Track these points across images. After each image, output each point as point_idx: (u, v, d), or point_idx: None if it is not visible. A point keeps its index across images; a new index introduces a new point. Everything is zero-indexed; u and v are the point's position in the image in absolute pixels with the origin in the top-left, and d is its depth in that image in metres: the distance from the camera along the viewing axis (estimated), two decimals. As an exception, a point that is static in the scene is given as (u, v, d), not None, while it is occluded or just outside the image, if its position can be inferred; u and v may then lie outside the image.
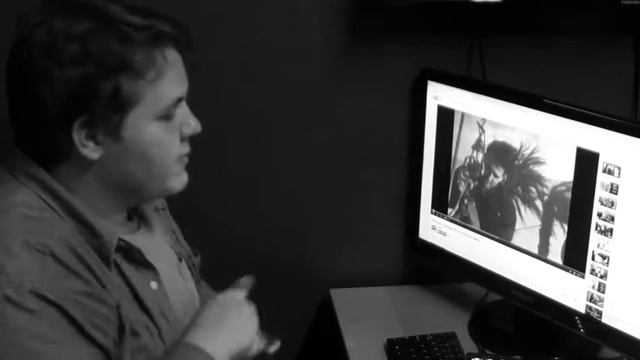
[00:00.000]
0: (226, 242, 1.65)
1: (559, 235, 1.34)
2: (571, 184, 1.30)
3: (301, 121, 1.56)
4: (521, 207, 1.39)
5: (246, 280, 1.17)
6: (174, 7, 1.44)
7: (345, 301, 1.64)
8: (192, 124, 1.09)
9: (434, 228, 1.57)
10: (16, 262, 0.92)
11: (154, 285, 1.07)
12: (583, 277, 1.32)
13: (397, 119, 1.58)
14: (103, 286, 0.98)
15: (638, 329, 1.27)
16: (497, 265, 1.47)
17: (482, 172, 1.44)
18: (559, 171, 1.31)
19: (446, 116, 1.47)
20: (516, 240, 1.42)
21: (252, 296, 1.69)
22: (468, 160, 1.46)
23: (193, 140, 1.54)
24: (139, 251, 1.06)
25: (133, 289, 1.04)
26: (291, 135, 1.57)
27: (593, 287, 1.31)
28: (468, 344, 1.48)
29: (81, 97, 0.96)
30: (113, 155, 1.01)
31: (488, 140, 1.41)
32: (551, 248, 1.36)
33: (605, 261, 1.28)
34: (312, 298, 1.71)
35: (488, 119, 1.40)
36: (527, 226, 1.39)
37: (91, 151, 0.99)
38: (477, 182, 1.46)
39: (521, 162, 1.37)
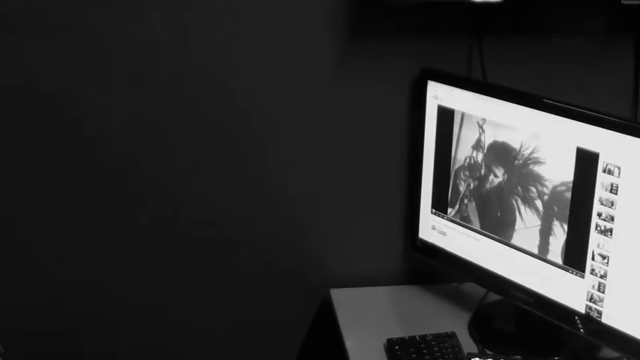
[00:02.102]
0: (226, 243, 1.65)
1: (559, 235, 1.34)
2: (571, 184, 1.30)
3: (301, 120, 1.56)
4: (521, 207, 1.39)
5: None
6: (171, 11, 1.45)
7: (345, 301, 1.64)
8: None
9: (434, 228, 1.57)
10: None
11: None
12: (583, 277, 1.32)
13: (397, 119, 1.58)
14: None
15: (638, 329, 1.27)
16: (497, 265, 1.47)
17: (482, 172, 1.44)
18: (559, 171, 1.31)
19: (446, 116, 1.47)
20: (516, 240, 1.42)
21: (253, 297, 1.70)
22: (467, 160, 1.46)
23: (196, 140, 1.55)
24: None
25: None
26: (291, 135, 1.57)
27: (593, 287, 1.31)
28: (468, 344, 1.48)
29: None
30: None
31: (488, 140, 1.41)
32: (551, 248, 1.36)
33: (605, 261, 1.28)
34: (312, 298, 1.72)
35: (488, 119, 1.40)
36: (527, 226, 1.39)
37: None
38: (476, 182, 1.46)
39: (521, 162, 1.37)
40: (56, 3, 1.41)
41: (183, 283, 1.68)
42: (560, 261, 1.35)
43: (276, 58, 1.51)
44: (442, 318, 1.57)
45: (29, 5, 1.41)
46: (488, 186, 1.44)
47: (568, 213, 1.31)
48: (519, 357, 1.40)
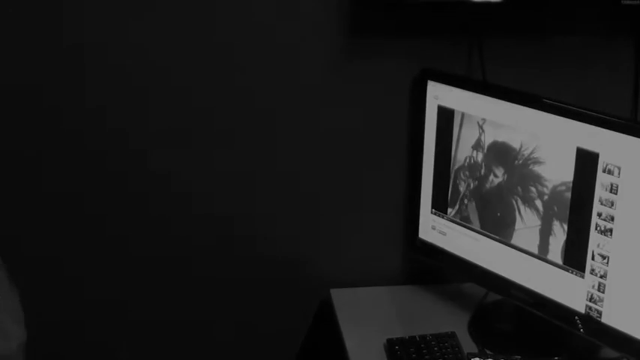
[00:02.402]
0: (227, 242, 1.65)
1: (559, 235, 1.34)
2: (571, 184, 1.30)
3: (301, 121, 1.56)
4: (521, 207, 1.39)
5: None
6: (170, 12, 1.45)
7: (345, 301, 1.64)
8: None
9: (434, 228, 1.57)
10: None
11: None
12: (583, 277, 1.32)
13: (397, 119, 1.58)
14: None
15: (638, 329, 1.27)
16: (497, 265, 1.47)
17: (482, 172, 1.44)
18: (559, 171, 1.31)
19: (446, 116, 1.47)
20: (516, 240, 1.42)
21: (253, 297, 1.70)
22: (467, 160, 1.46)
23: (196, 139, 1.55)
24: None
25: None
26: (291, 135, 1.57)
27: (593, 287, 1.31)
28: (468, 344, 1.48)
29: None
30: None
31: (488, 140, 1.41)
32: (551, 248, 1.36)
33: (605, 261, 1.28)
34: (312, 298, 1.72)
35: (488, 119, 1.40)
36: (527, 225, 1.39)
37: None
38: (476, 182, 1.46)
39: (521, 162, 1.37)
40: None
41: (183, 282, 1.68)
42: (560, 261, 1.35)
43: (277, 58, 1.51)
44: (442, 318, 1.57)
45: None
46: (488, 186, 1.44)
47: (568, 213, 1.31)
48: (519, 357, 1.40)
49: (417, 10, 1.48)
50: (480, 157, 1.43)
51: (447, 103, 1.46)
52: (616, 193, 1.24)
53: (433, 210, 1.56)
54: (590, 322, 1.33)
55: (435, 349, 1.44)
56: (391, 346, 1.46)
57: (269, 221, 1.64)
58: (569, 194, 1.30)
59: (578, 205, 1.30)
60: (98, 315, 1.68)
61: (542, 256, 1.38)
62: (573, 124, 1.27)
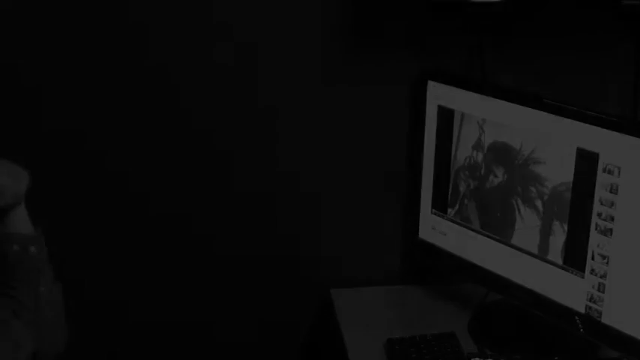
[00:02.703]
0: (227, 242, 1.65)
1: (559, 235, 1.34)
2: (571, 184, 1.30)
3: (301, 121, 1.56)
4: (521, 207, 1.39)
5: None
6: (168, 9, 1.45)
7: (345, 301, 1.64)
8: None
9: (434, 228, 1.57)
10: None
11: None
12: (583, 276, 1.32)
13: (397, 119, 1.58)
14: None
15: (638, 329, 1.27)
16: (497, 265, 1.47)
17: (482, 172, 1.44)
18: (559, 171, 1.31)
19: (446, 116, 1.47)
20: (516, 240, 1.42)
21: (253, 297, 1.70)
22: (467, 160, 1.46)
23: (197, 138, 1.55)
24: None
25: None
26: (291, 135, 1.57)
27: (593, 287, 1.31)
28: (468, 344, 1.48)
29: None
30: None
31: (488, 140, 1.41)
32: (550, 248, 1.36)
33: (605, 261, 1.28)
34: (312, 298, 1.72)
35: (488, 119, 1.40)
36: (527, 225, 1.39)
37: None
38: (476, 182, 1.46)
39: (521, 162, 1.37)
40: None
41: (183, 282, 1.68)
42: (560, 261, 1.35)
43: (276, 58, 1.51)
44: (442, 318, 1.57)
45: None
46: (488, 186, 1.44)
47: (568, 213, 1.31)
48: (519, 357, 1.40)
49: (417, 11, 1.48)
50: (479, 157, 1.43)
51: (447, 103, 1.46)
52: (616, 193, 1.24)
53: (433, 210, 1.56)
54: (590, 322, 1.33)
55: (435, 349, 1.44)
56: (391, 346, 1.46)
57: (269, 221, 1.64)
58: (569, 194, 1.30)
59: (578, 205, 1.30)
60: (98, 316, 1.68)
61: (542, 256, 1.38)
62: (573, 124, 1.27)
